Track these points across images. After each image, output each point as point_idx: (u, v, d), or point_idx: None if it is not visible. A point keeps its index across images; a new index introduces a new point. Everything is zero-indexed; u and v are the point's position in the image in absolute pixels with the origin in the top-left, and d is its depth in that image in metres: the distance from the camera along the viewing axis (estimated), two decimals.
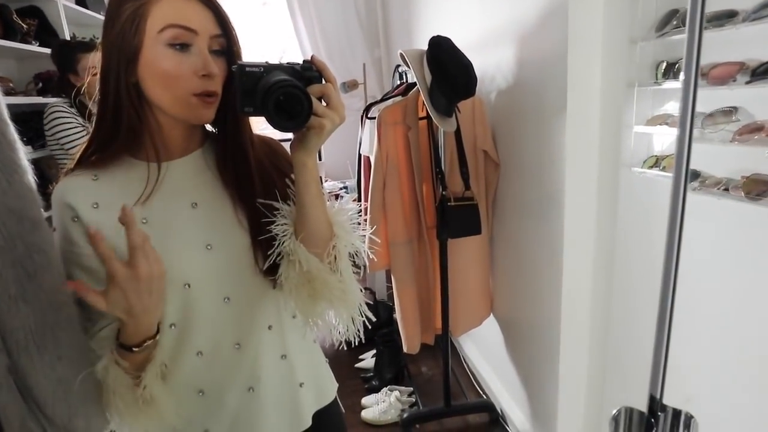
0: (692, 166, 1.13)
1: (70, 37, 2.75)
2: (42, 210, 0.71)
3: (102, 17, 3.42)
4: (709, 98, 1.10)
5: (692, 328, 1.17)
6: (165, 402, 0.78)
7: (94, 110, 0.79)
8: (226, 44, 0.77)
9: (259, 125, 0.85)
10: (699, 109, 1.12)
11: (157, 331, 0.74)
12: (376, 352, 2.61)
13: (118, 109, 0.75)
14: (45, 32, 2.60)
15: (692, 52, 0.52)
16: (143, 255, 0.65)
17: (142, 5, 0.71)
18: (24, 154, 0.69)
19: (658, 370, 0.59)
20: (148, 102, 0.77)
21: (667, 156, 1.27)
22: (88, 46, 2.30)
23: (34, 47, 2.45)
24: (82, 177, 0.78)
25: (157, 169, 0.79)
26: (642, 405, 0.57)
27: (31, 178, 0.69)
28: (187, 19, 0.72)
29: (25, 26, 2.42)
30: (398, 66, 2.83)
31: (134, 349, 0.71)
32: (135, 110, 0.76)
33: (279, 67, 0.73)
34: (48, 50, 2.54)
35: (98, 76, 0.76)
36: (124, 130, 0.76)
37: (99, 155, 0.79)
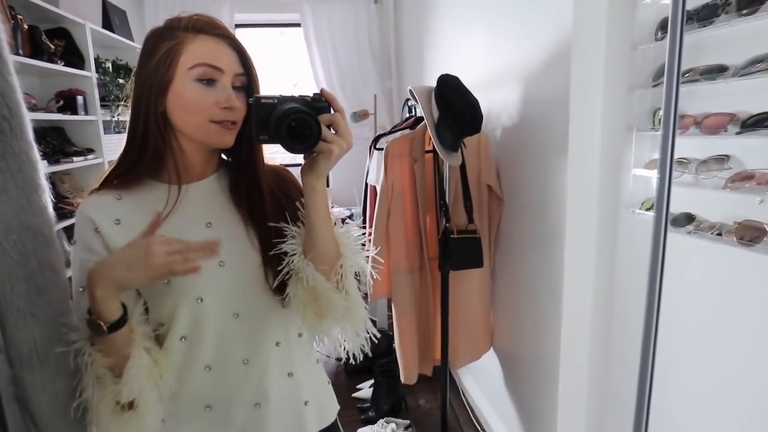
0: (688, 210, 1.16)
1: (95, 59, 2.85)
2: (54, 228, 0.75)
3: (125, 41, 3.52)
4: (703, 146, 1.13)
5: (683, 368, 1.17)
6: (151, 413, 0.79)
7: None
8: (247, 81, 0.85)
9: (270, 149, 0.92)
10: (695, 155, 1.15)
11: (124, 320, 0.75)
12: (374, 382, 2.59)
13: (146, 135, 0.82)
14: (71, 53, 2.71)
15: (671, 97, 0.56)
16: (153, 240, 0.70)
17: (177, 44, 0.80)
18: (43, 173, 0.73)
19: (642, 409, 0.60)
20: (173, 129, 0.83)
21: None
22: None
23: (60, 67, 2.54)
24: (107, 196, 0.84)
25: (177, 190, 0.85)
26: None
27: (47, 196, 0.73)
28: (215, 59, 0.80)
29: (52, 47, 2.52)
30: (407, 100, 2.89)
31: (104, 327, 0.72)
32: (161, 136, 0.82)
33: (291, 99, 0.80)
34: (73, 70, 2.64)
35: (130, 104, 0.83)
36: (150, 154, 0.82)
37: (123, 177, 0.84)
